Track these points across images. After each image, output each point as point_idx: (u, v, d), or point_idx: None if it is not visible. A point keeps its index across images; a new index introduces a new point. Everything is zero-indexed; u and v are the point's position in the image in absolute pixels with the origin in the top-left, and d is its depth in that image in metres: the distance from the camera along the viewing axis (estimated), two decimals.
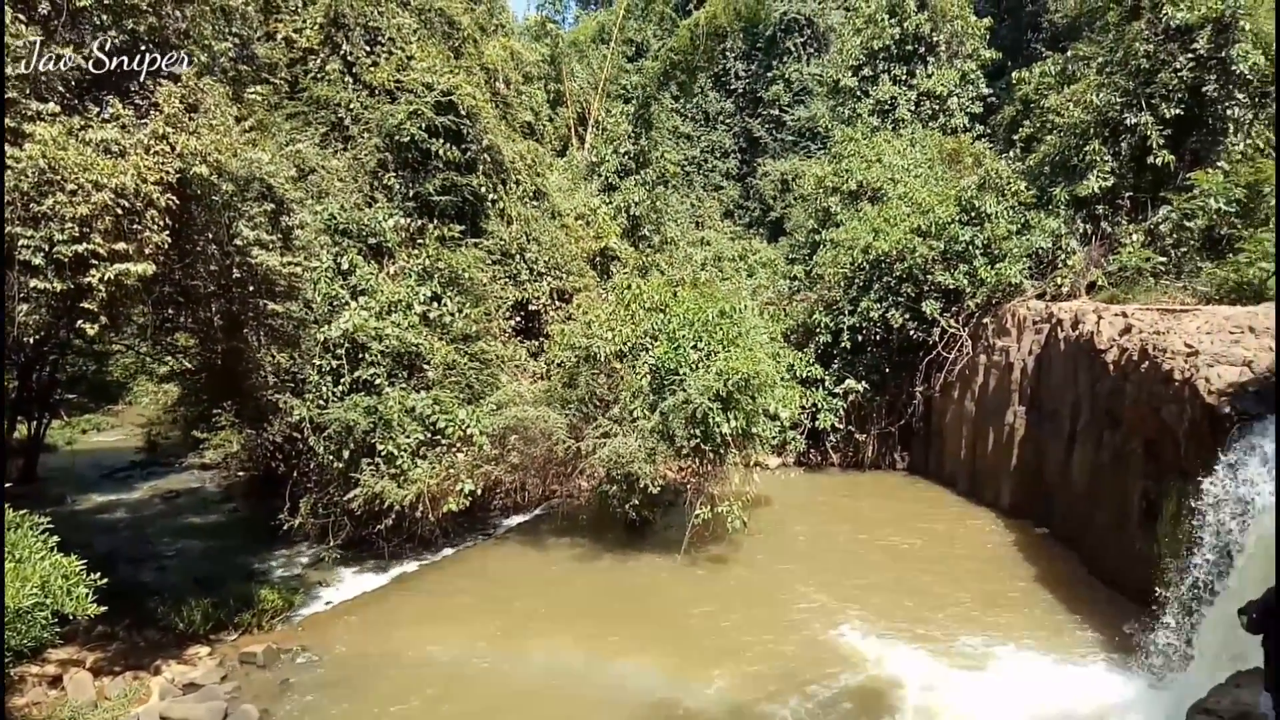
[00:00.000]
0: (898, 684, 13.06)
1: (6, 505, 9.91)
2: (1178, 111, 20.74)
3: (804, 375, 24.82)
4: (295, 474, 18.34)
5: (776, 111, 43.68)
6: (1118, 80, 21.87)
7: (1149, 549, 14.17)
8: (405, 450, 17.47)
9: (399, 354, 18.27)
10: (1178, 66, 20.48)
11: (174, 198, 11.73)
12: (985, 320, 23.50)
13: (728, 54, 43.99)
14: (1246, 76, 19.91)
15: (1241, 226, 18.60)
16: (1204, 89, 20.35)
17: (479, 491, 18.80)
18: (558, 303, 24.48)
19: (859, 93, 34.83)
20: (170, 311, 15.47)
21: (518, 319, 23.64)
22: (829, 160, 32.59)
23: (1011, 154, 27.29)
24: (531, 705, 12.69)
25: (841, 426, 26.47)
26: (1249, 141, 20.33)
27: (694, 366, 18.66)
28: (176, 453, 27.33)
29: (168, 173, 11.57)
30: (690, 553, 18.68)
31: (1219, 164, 19.98)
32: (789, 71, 43.30)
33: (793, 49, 43.68)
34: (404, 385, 18.23)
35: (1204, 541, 11.87)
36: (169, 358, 20.71)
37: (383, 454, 17.34)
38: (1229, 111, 20.39)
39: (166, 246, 11.89)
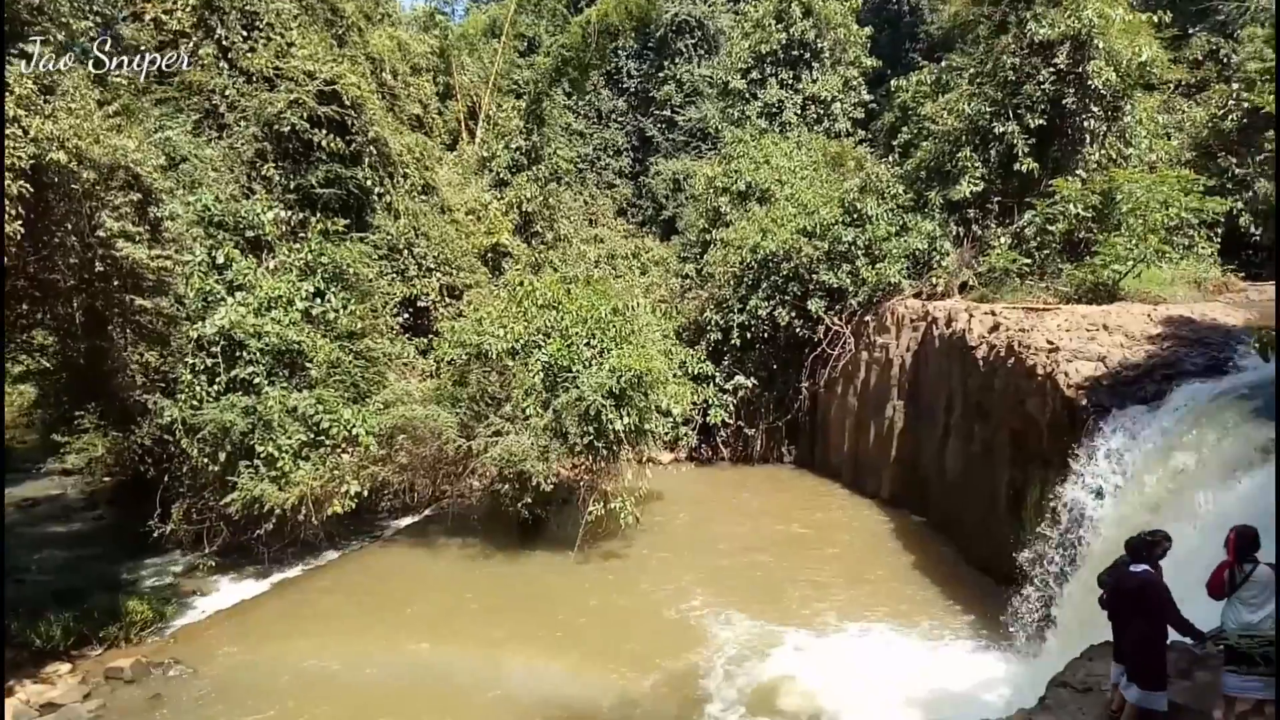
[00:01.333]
0: (744, 659, 13.73)
1: None
2: (1041, 122, 21.95)
3: (695, 372, 25.15)
4: (167, 478, 17.51)
5: (668, 112, 44.07)
6: (987, 91, 23.02)
7: (1015, 534, 15.00)
8: (286, 451, 16.94)
9: (280, 352, 17.67)
10: (1041, 79, 21.72)
11: (27, 185, 11.04)
12: (867, 318, 24.35)
13: (620, 52, 44.06)
14: (1101, 91, 21.31)
15: (1097, 231, 19.93)
16: (1064, 101, 21.65)
17: (365, 493, 18.36)
18: (448, 299, 24.09)
19: (748, 95, 35.51)
20: (25, 307, 14.54)
21: (406, 316, 23.16)
22: (719, 161, 33.08)
23: (891, 158, 28.33)
24: (403, 708, 12.61)
25: (732, 422, 26.94)
26: (1103, 151, 21.81)
27: (587, 364, 18.70)
28: (34, 458, 25.48)
29: (20, 158, 10.85)
30: (584, 549, 18.70)
31: (1077, 172, 21.33)
32: (680, 72, 43.77)
33: (684, 50, 44.16)
34: (285, 384, 17.62)
35: (1062, 525, 12.71)
36: (24, 357, 19.35)
37: (262, 456, 16.76)
38: (1085, 123, 21.75)
39: (19, 237, 11.18)
